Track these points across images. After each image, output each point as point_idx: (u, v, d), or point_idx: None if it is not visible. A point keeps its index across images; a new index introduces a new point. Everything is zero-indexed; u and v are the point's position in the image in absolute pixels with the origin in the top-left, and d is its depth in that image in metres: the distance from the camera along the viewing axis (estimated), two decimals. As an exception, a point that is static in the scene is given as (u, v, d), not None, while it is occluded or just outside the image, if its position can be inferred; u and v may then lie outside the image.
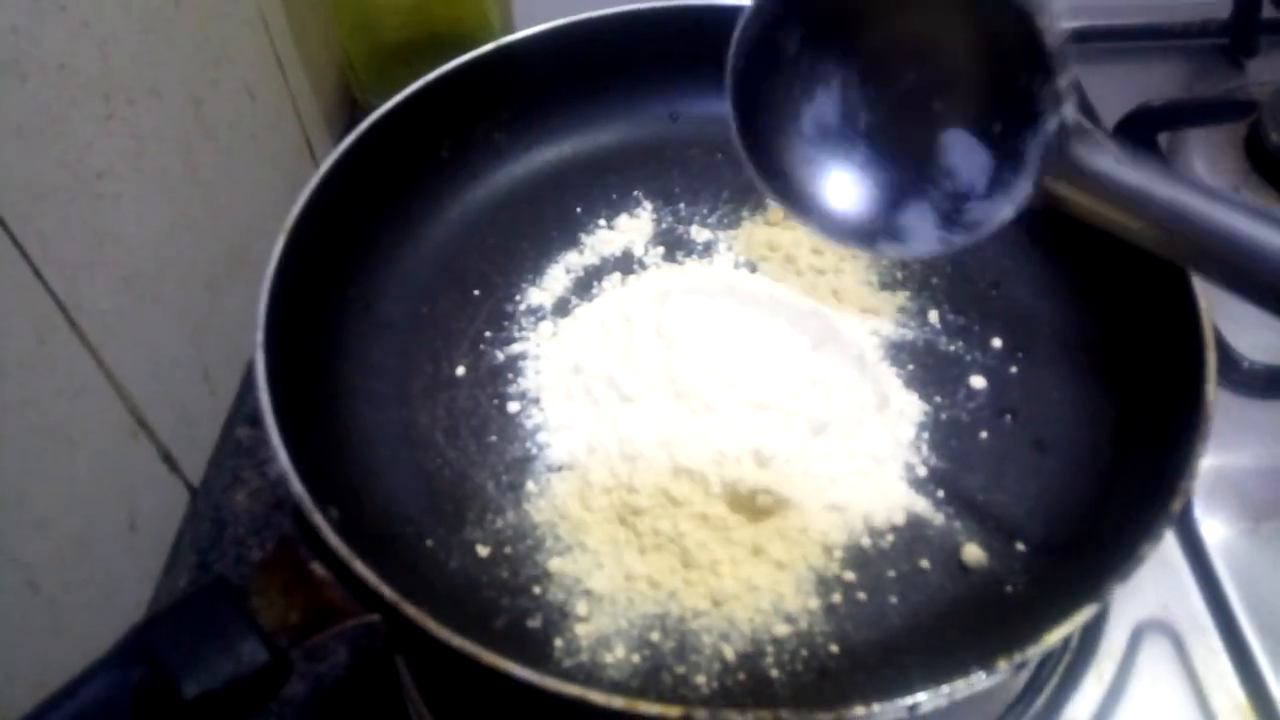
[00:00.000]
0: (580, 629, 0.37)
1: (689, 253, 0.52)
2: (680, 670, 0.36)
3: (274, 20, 0.65)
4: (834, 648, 0.37)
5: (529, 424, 0.44)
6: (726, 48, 0.52)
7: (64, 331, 0.44)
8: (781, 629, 0.37)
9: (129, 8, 0.49)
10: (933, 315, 0.48)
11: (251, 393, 0.61)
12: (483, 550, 0.40)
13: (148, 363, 0.51)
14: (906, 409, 0.44)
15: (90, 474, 0.46)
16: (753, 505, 0.40)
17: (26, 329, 0.42)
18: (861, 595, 0.38)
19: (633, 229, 0.53)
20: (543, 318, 0.49)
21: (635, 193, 0.54)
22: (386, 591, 0.32)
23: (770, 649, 0.37)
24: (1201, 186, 0.33)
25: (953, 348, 0.47)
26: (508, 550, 0.40)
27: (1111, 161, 0.33)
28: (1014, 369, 0.46)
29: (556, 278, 0.50)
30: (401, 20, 0.73)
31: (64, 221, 0.44)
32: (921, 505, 0.41)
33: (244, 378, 0.62)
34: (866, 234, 0.40)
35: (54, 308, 0.43)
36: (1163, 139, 0.63)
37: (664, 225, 0.53)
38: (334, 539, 0.33)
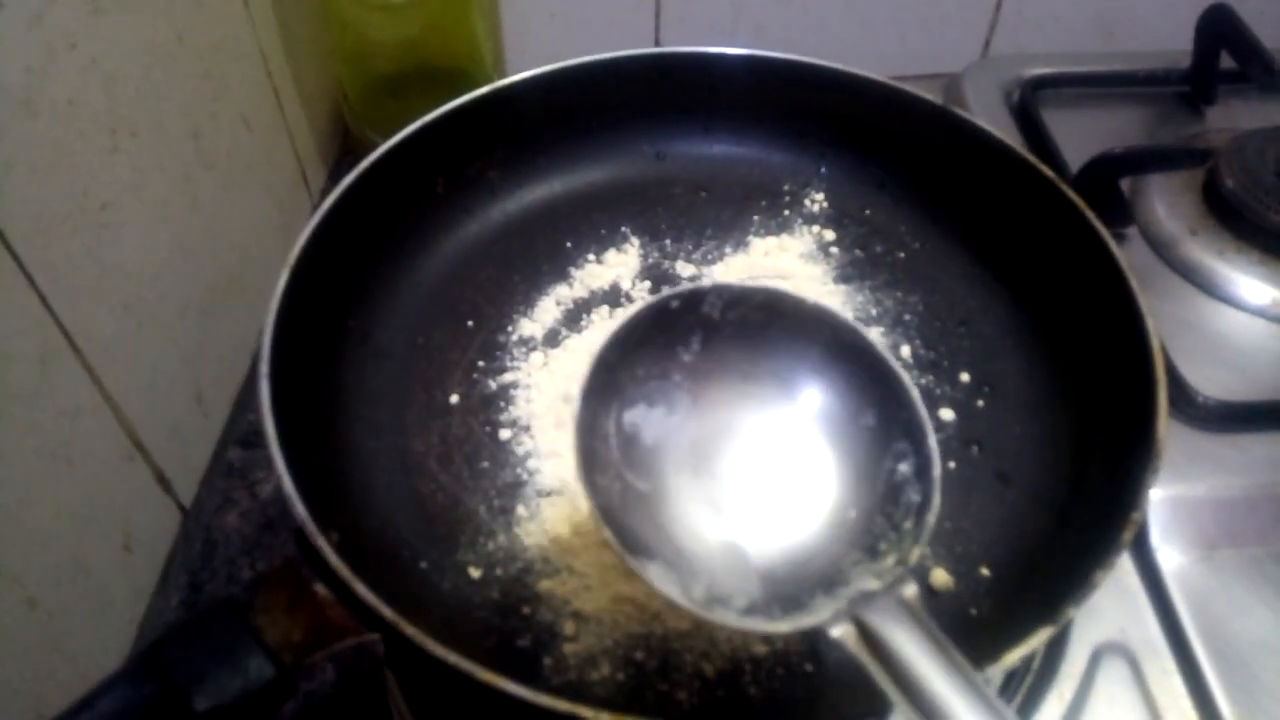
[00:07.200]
0: (568, 648, 0.39)
1: (674, 287, 0.54)
2: (663, 687, 0.38)
3: (272, 55, 0.67)
4: (809, 666, 0.39)
5: (520, 450, 0.46)
6: (705, 93, 0.52)
7: (67, 356, 0.46)
8: (759, 648, 0.39)
9: (136, 44, 0.50)
10: (905, 350, 0.50)
11: (243, 415, 0.63)
12: (475, 572, 0.41)
13: (144, 386, 0.52)
14: (879, 440, 0.46)
15: (87, 494, 0.47)
16: (733, 531, 0.41)
17: (33, 354, 0.43)
18: (835, 617, 0.40)
19: (620, 264, 0.55)
20: (534, 348, 0.50)
21: (623, 229, 0.56)
22: (386, 612, 0.33)
23: (749, 668, 0.39)
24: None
25: (924, 381, 0.49)
26: (499, 572, 0.41)
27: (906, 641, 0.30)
28: (980, 403, 0.48)
29: (547, 310, 0.52)
30: (396, 54, 0.75)
31: (70, 250, 0.45)
32: (893, 532, 0.43)
33: (235, 400, 0.63)
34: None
35: (58, 333, 0.45)
36: (1125, 184, 0.66)
37: (650, 260, 0.55)
38: (336, 561, 0.34)
